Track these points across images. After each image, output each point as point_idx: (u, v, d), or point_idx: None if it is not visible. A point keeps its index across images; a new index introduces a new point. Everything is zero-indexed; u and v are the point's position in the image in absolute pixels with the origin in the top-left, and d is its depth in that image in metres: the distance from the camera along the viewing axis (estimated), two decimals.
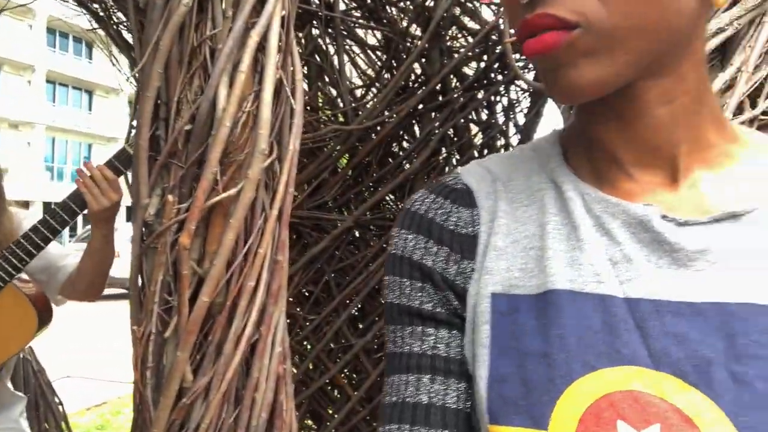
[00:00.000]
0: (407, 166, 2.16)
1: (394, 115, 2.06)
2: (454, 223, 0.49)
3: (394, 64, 2.27)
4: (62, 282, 1.50)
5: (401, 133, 2.27)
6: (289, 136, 1.09)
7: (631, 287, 0.41)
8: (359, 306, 2.12)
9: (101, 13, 1.97)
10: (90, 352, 5.84)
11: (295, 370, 2.09)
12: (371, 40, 2.43)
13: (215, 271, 1.01)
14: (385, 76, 2.31)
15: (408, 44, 2.23)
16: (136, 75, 1.07)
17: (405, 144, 2.28)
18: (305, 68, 2.23)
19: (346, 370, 2.12)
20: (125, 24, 1.84)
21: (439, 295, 0.48)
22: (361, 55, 2.39)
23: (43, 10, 19.75)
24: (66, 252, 1.57)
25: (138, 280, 1.08)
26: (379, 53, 2.36)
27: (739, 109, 1.14)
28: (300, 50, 2.23)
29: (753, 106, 1.15)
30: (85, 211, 1.36)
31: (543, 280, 0.43)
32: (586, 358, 0.40)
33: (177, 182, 1.01)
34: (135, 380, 1.06)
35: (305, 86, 2.25)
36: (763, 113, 1.14)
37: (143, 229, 1.05)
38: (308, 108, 2.19)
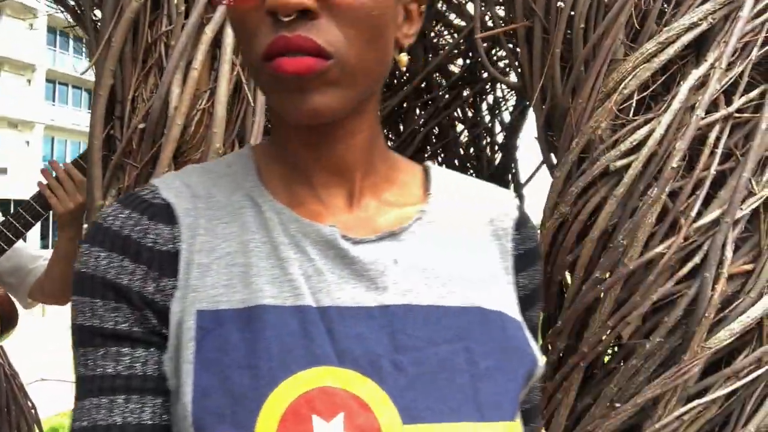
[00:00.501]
0: None
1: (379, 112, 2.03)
2: (153, 240, 0.49)
3: None
4: (32, 285, 1.47)
5: (386, 131, 2.24)
6: (250, 134, 1.07)
7: (322, 297, 0.48)
8: None
9: (78, 11, 1.95)
10: (67, 353, 5.83)
11: None
12: None
13: None
14: None
15: None
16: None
17: (389, 143, 2.26)
18: None
19: None
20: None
21: (136, 315, 0.48)
22: None
23: (44, 10, 19.75)
24: (38, 254, 1.55)
25: None
26: None
27: (714, 106, 1.11)
28: None
29: (728, 103, 1.11)
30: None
31: (248, 296, 0.47)
32: (286, 364, 0.45)
33: (132, 182, 0.99)
34: None
35: None
36: (738, 111, 1.10)
37: None
38: None
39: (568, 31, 1.19)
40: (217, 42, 0.99)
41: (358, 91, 0.48)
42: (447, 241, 0.54)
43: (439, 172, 0.59)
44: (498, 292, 0.54)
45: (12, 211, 1.40)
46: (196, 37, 0.96)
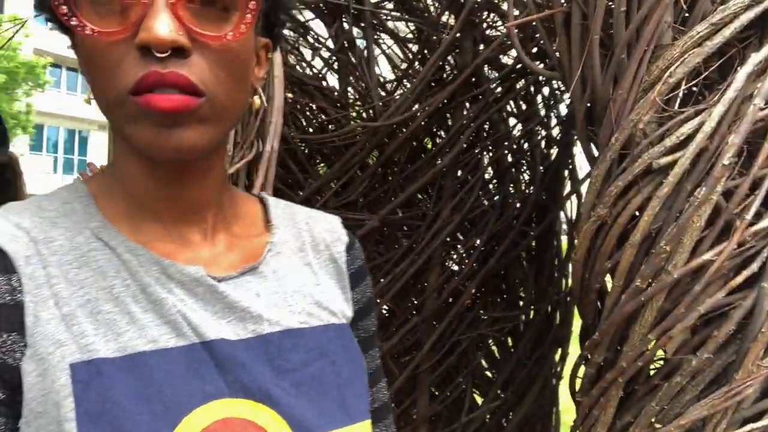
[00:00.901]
0: (439, 162, 2.07)
1: (426, 108, 1.98)
2: None
3: (427, 56, 2.19)
4: None
5: (434, 127, 2.18)
6: (268, 135, 1.05)
7: (202, 333, 0.48)
8: (386, 308, 2.06)
9: None
10: None
11: None
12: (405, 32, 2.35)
13: None
14: (418, 68, 2.22)
15: (441, 34, 2.13)
16: None
17: (437, 139, 2.19)
18: (335, 64, 2.19)
19: None
20: None
21: None
22: (394, 48, 2.31)
23: None
24: None
25: None
26: (411, 46, 2.28)
27: None
28: (329, 47, 2.19)
29: None
30: None
31: (125, 344, 0.45)
32: (182, 403, 0.45)
33: None
34: None
35: (335, 83, 2.20)
36: None
37: None
38: (338, 105, 2.15)
39: (609, 18, 1.09)
40: None
41: (223, 128, 0.50)
42: (296, 268, 0.58)
43: (273, 203, 0.63)
44: (341, 310, 0.60)
45: None
46: None
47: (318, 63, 2.22)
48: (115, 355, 0.45)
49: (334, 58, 2.17)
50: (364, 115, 2.17)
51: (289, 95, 2.01)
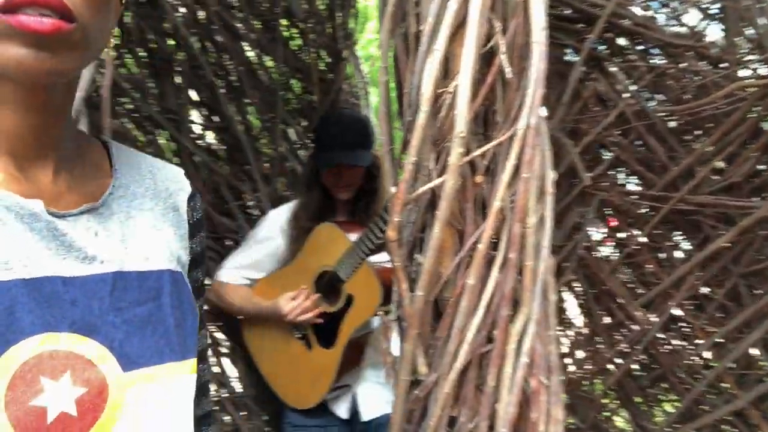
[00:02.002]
0: None
1: None
2: None
3: None
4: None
5: None
6: (519, 111, 0.93)
7: (35, 269, 0.50)
8: None
9: None
10: None
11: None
12: None
13: (426, 264, 0.96)
14: None
15: None
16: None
17: None
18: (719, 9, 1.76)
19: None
20: None
21: None
22: None
23: None
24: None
25: None
26: None
27: None
28: None
29: None
30: None
31: None
32: (6, 336, 0.48)
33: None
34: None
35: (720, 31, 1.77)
36: None
37: None
38: (716, 64, 1.72)
39: None
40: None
41: (89, 57, 0.50)
42: (135, 212, 0.59)
43: (117, 147, 0.62)
44: (177, 256, 0.61)
45: None
46: (438, 15, 0.90)
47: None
48: None
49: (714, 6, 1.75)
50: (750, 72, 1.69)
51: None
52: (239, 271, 1.75)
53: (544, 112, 0.97)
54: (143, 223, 0.59)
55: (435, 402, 1.01)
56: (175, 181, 0.65)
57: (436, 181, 0.93)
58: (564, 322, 2.04)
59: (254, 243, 1.76)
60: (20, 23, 0.44)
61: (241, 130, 2.05)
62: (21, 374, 0.48)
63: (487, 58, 0.95)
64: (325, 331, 1.63)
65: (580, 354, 2.01)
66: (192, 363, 0.59)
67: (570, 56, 1.82)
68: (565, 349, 2.01)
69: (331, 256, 1.64)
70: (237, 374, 2.00)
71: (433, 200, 0.98)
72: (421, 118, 0.92)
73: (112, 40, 0.58)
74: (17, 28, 0.44)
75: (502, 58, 0.91)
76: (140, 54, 2.00)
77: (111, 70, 1.00)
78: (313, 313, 1.58)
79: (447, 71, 0.95)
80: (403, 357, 1.02)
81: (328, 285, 1.65)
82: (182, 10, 2.02)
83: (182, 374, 0.58)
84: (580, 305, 2.03)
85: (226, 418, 1.97)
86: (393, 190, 1.00)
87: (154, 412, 0.55)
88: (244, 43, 2.11)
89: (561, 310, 2.00)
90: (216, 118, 2.10)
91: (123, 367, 0.53)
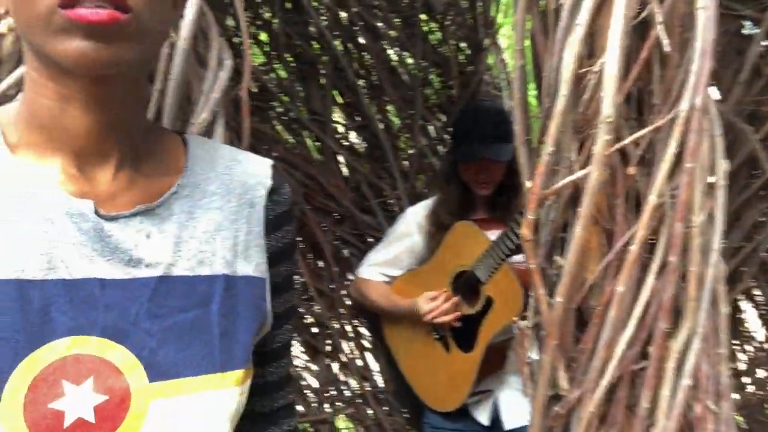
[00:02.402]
0: None
1: None
2: None
3: None
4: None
5: None
6: (680, 90, 0.80)
7: (75, 270, 0.50)
8: None
9: None
10: None
11: None
12: None
13: (568, 267, 0.85)
14: None
15: None
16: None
17: None
18: None
19: None
20: None
21: None
22: None
23: None
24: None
25: None
26: None
27: None
28: None
29: None
30: None
31: (3, 268, 0.49)
32: (35, 337, 0.48)
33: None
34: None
35: None
36: None
37: None
38: None
39: None
40: None
41: (148, 50, 0.51)
42: (201, 212, 0.57)
43: (197, 143, 0.61)
44: (247, 257, 0.59)
45: None
46: None
47: None
48: None
49: None
50: None
51: None
52: (378, 267, 1.74)
53: (714, 92, 0.82)
54: (206, 223, 0.57)
55: (578, 421, 0.90)
56: (254, 175, 0.62)
57: (579, 174, 0.83)
58: (742, 337, 1.78)
59: (393, 240, 1.75)
60: (78, 15, 0.45)
61: (381, 128, 2.05)
62: (44, 376, 0.48)
63: (640, 31, 0.82)
64: (463, 333, 1.57)
65: (760, 373, 1.74)
66: (237, 375, 0.56)
67: (749, 29, 1.57)
68: (742, 367, 1.76)
69: (468, 255, 1.57)
70: (379, 368, 2.01)
71: (575, 195, 0.87)
72: (561, 102, 0.82)
73: (172, 34, 0.60)
74: (75, 21, 0.45)
75: (659, 29, 0.78)
76: (288, 59, 2.08)
77: (249, 71, 1.02)
78: (452, 317, 1.53)
79: (592, 49, 0.84)
80: (541, 369, 0.93)
81: (465, 285, 1.59)
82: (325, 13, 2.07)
83: (220, 388, 0.54)
84: (761, 316, 1.76)
85: (369, 412, 1.98)
86: (528, 184, 0.91)
87: (182, 425, 0.52)
88: (384, 42, 2.11)
89: (738, 323, 1.75)
90: (358, 118, 2.13)
91: (150, 376, 0.51)
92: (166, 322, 0.53)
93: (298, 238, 0.72)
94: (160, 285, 0.53)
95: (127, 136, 0.55)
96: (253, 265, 0.59)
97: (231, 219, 0.59)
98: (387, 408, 1.96)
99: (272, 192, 0.62)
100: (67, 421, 0.49)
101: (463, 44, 2.13)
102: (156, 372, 0.51)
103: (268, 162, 0.64)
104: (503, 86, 2.14)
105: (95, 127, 0.52)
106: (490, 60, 2.13)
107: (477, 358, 1.52)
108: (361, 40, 2.09)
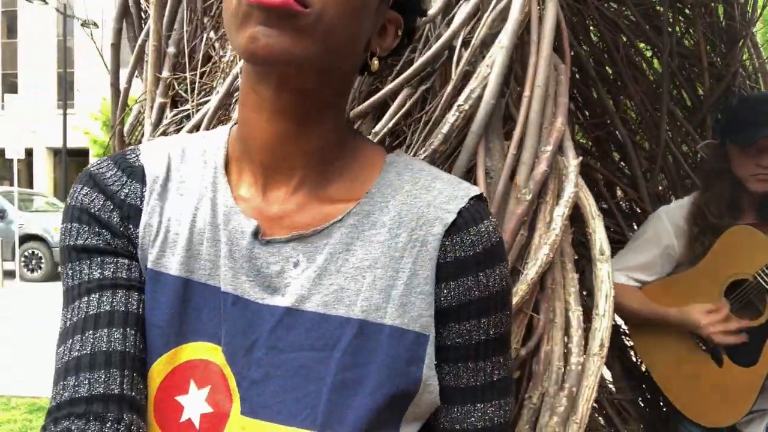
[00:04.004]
0: None
1: None
2: (125, 194, 0.56)
3: None
4: None
5: None
6: None
7: (225, 282, 0.53)
8: None
9: None
10: None
11: None
12: None
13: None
14: None
15: None
16: None
17: None
18: None
19: None
20: None
21: (117, 240, 0.55)
22: None
23: None
24: None
25: None
26: None
27: None
28: None
29: None
30: None
31: (178, 266, 0.54)
32: (184, 334, 0.52)
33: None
34: None
35: None
36: None
37: None
38: None
39: None
40: None
41: (324, 49, 0.49)
42: (359, 244, 0.53)
43: (395, 165, 0.57)
44: (403, 305, 0.52)
45: None
46: None
47: None
48: (166, 272, 0.54)
49: None
50: None
51: None
52: (629, 272, 1.68)
53: None
54: (362, 258, 0.52)
55: None
56: (439, 207, 0.54)
57: None
58: None
59: (644, 243, 1.67)
60: (259, 0, 0.46)
61: (619, 126, 1.98)
62: (179, 371, 0.52)
63: None
64: (740, 346, 1.46)
65: None
66: None
67: None
68: None
69: (748, 264, 1.46)
70: (611, 375, 1.94)
71: None
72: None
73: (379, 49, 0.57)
74: (253, 4, 0.46)
75: None
76: None
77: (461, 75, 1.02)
78: (736, 339, 1.44)
79: None
80: None
81: (741, 295, 1.48)
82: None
83: None
84: None
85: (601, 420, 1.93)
86: None
87: None
88: (623, 36, 2.02)
89: None
90: (587, 113, 2.06)
91: (243, 409, 0.50)
92: (279, 357, 0.50)
93: (504, 295, 0.56)
94: (286, 317, 0.51)
95: (315, 153, 0.54)
96: (409, 316, 0.51)
97: (393, 256, 0.52)
98: (621, 415, 1.89)
99: (451, 231, 0.53)
100: (183, 417, 0.51)
101: (713, 37, 1.98)
102: (248, 407, 0.50)
103: (469, 192, 0.55)
104: (759, 79, 1.96)
105: (280, 139, 0.53)
106: (745, 56, 1.96)
107: (760, 375, 1.42)
108: (595, 34, 2.01)
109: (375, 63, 0.57)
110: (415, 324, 0.51)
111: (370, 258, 0.52)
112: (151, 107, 1.29)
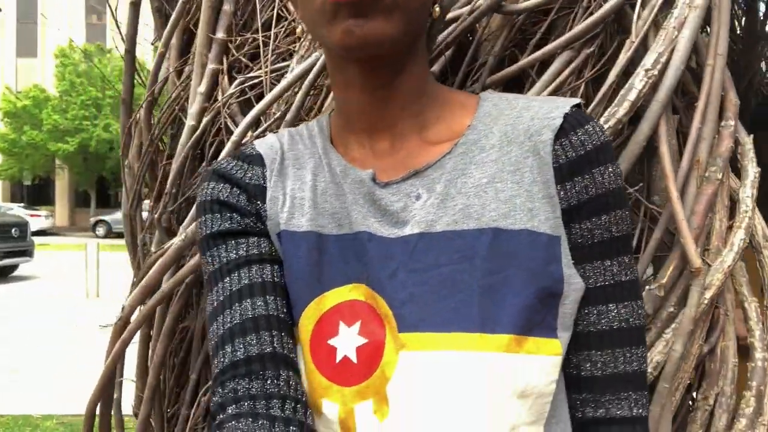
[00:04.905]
0: None
1: None
2: (249, 177, 0.63)
3: None
4: None
5: None
6: None
7: (355, 224, 0.58)
8: None
9: None
10: None
11: None
12: None
13: None
14: None
15: None
16: None
17: None
18: None
19: None
20: None
21: (246, 219, 0.61)
22: None
23: None
24: None
25: None
26: None
27: None
28: None
29: None
30: None
31: (306, 222, 0.60)
32: (327, 282, 0.57)
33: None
34: None
35: None
36: None
37: None
38: None
39: None
40: None
41: (408, 21, 0.53)
42: (474, 167, 0.56)
43: (491, 100, 0.60)
44: (531, 209, 0.54)
45: None
46: None
47: None
48: (300, 230, 0.59)
49: None
50: None
51: None
52: None
53: None
54: (478, 178, 0.55)
55: None
56: (543, 118, 0.56)
57: None
58: None
59: None
60: None
61: None
62: (326, 317, 0.56)
63: None
64: None
65: None
66: (501, 340, 0.50)
67: None
68: None
69: None
70: None
71: None
72: None
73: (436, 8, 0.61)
74: (338, 1, 0.49)
75: None
76: None
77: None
78: None
79: None
80: None
81: None
82: None
83: (478, 349, 0.50)
84: None
85: None
86: None
87: (433, 380, 0.51)
88: None
89: None
90: None
91: (399, 327, 0.53)
92: (421, 276, 0.53)
93: (620, 192, 0.56)
94: (420, 241, 0.54)
95: (409, 108, 0.59)
96: (538, 219, 0.54)
97: (509, 170, 0.55)
98: None
99: (560, 134, 0.55)
100: (338, 357, 0.55)
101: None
102: (404, 323, 0.53)
103: (569, 102, 0.57)
104: None
105: (374, 104, 0.58)
106: None
107: None
108: None
109: (437, 10, 0.61)
110: (544, 226, 0.54)
111: (487, 176, 0.56)
112: (201, 74, 1.12)
